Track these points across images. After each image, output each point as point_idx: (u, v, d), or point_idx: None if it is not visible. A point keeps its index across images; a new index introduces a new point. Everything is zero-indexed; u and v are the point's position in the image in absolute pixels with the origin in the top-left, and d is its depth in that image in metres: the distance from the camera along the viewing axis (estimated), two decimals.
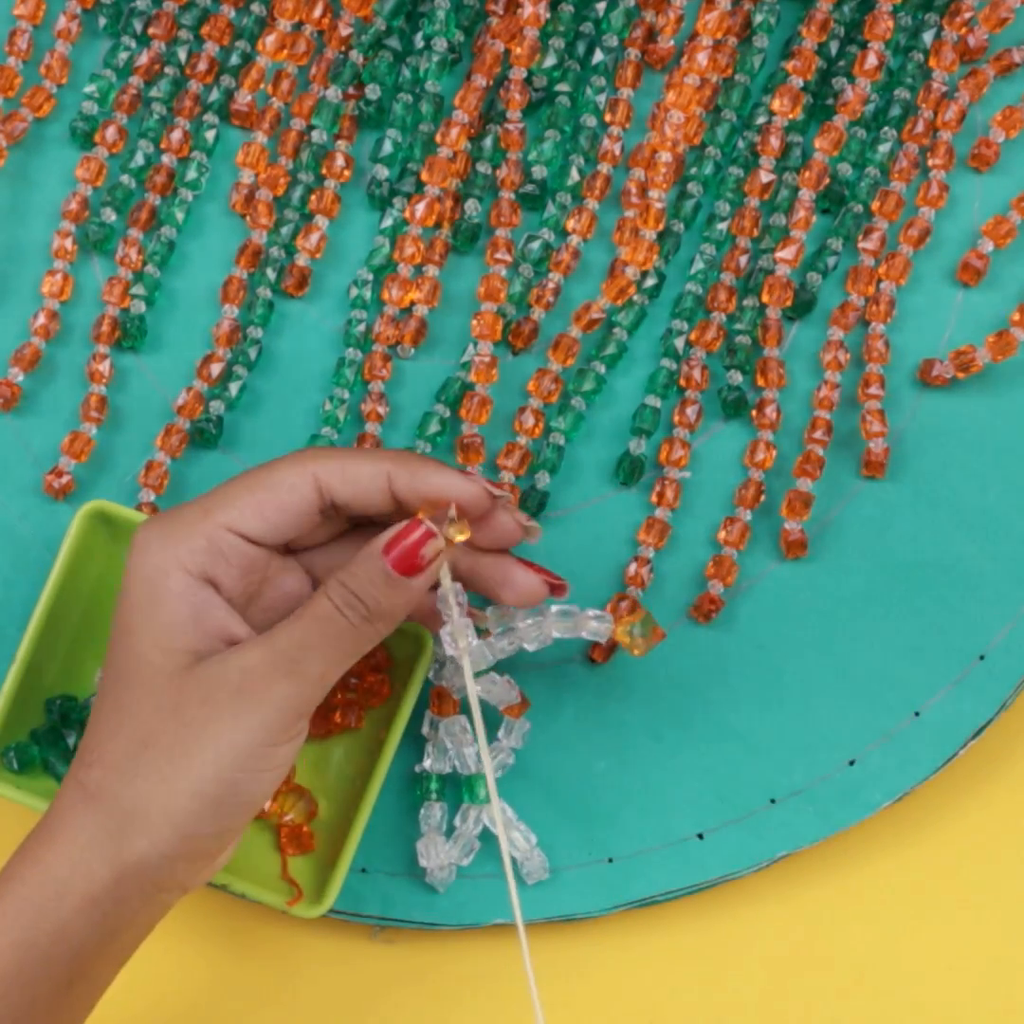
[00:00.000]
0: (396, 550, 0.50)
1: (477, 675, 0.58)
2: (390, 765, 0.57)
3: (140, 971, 0.53)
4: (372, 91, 0.64)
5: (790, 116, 0.63)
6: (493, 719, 0.60)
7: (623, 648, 0.57)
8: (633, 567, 0.61)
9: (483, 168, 0.64)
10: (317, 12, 0.63)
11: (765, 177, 0.63)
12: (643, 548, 0.61)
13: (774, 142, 0.63)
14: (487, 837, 0.60)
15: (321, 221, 0.63)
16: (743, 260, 0.63)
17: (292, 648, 0.49)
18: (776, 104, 0.63)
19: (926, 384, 0.63)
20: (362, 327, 0.62)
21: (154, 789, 0.49)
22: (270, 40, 0.63)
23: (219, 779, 0.49)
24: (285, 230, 0.63)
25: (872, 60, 0.63)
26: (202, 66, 0.64)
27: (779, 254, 0.63)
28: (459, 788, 0.60)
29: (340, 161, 0.63)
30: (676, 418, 0.62)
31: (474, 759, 0.59)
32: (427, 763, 0.59)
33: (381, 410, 0.62)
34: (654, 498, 0.62)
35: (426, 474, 0.52)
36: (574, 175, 0.63)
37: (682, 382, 0.62)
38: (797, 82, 0.63)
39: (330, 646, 0.50)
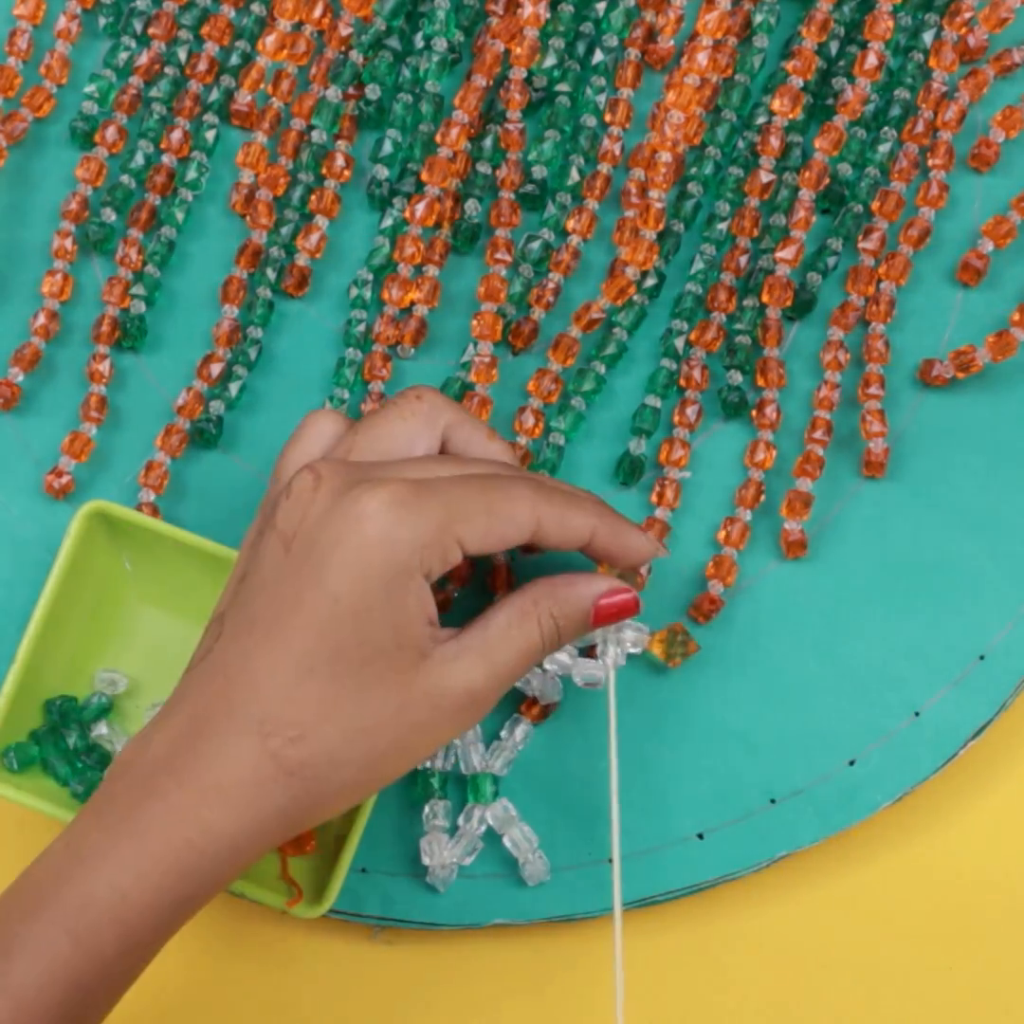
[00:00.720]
0: (608, 607, 0.54)
1: None
2: None
3: None
4: (372, 91, 0.64)
5: (790, 116, 0.63)
6: (496, 719, 0.60)
7: (659, 659, 0.59)
8: None
9: (483, 168, 0.64)
10: (317, 12, 0.63)
11: (765, 177, 0.63)
12: None
13: (774, 142, 0.63)
14: (489, 837, 0.60)
15: (321, 221, 0.63)
16: (743, 260, 0.63)
17: (507, 675, 0.52)
18: (776, 104, 0.63)
19: (926, 384, 0.63)
20: (362, 327, 0.62)
21: (362, 777, 0.51)
22: (270, 40, 0.63)
23: (412, 766, 0.53)
24: (285, 230, 0.63)
25: (872, 60, 0.63)
26: (202, 66, 0.64)
27: (779, 254, 0.63)
28: (458, 786, 0.60)
29: (340, 161, 0.63)
30: (676, 418, 0.62)
31: (479, 758, 0.59)
32: (427, 761, 0.59)
33: None
34: (654, 498, 0.62)
35: (625, 535, 0.54)
36: (574, 175, 0.63)
37: (682, 382, 0.62)
38: (797, 82, 0.63)
39: (525, 670, 0.53)
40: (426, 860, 0.59)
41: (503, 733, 0.60)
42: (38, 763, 0.59)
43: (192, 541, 0.58)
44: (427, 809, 0.59)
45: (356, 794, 0.51)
